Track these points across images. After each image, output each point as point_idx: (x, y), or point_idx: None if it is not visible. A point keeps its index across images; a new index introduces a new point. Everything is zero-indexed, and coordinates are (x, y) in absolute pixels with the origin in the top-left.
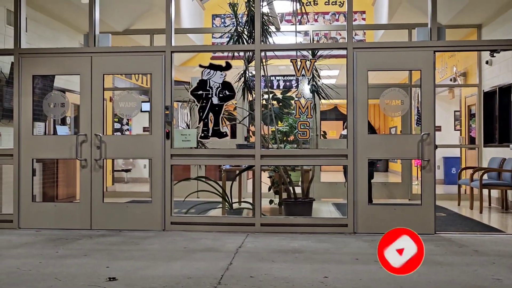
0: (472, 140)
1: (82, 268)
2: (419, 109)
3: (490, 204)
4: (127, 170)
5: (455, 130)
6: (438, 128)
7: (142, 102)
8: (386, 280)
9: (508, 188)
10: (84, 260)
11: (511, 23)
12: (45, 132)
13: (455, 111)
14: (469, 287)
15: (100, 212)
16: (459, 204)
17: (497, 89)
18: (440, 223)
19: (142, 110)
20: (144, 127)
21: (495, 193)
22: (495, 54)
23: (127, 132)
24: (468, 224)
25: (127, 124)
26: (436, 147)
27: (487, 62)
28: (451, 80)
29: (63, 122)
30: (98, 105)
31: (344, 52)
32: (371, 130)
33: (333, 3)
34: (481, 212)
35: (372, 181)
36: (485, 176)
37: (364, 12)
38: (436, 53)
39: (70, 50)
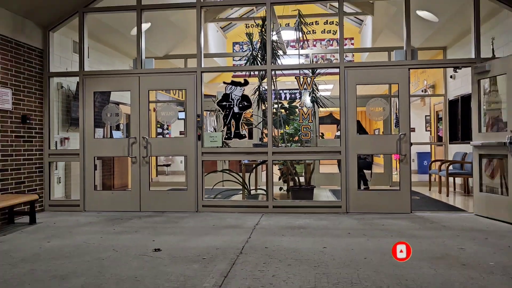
0: (439, 139)
1: (133, 242)
2: (397, 114)
3: (454, 189)
4: (168, 165)
5: (426, 130)
6: (413, 129)
7: (179, 111)
8: (372, 249)
9: (469, 176)
10: (135, 235)
11: (470, 46)
12: (103, 136)
13: (426, 116)
14: (439, 255)
15: (147, 197)
16: (429, 189)
17: (459, 98)
18: (415, 205)
19: (179, 118)
20: (180, 131)
21: (458, 180)
22: (457, 70)
23: (167, 135)
24: (437, 205)
25: (167, 129)
26: (411, 144)
27: (451, 77)
28: (422, 91)
29: (118, 128)
30: (145, 114)
31: (337, 70)
32: (363, 131)
33: (327, 31)
34: (447, 195)
35: (369, 171)
36: (451, 167)
37: (352, 38)
38: (410, 70)
39: (122, 71)
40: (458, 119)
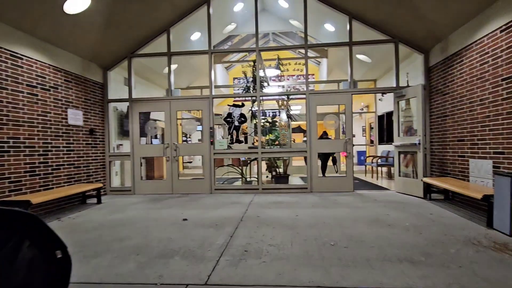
0: (372, 141)
1: (168, 214)
2: (344, 125)
3: (382, 175)
4: (190, 162)
5: (362, 136)
6: (354, 135)
7: (197, 125)
8: (329, 216)
9: (391, 166)
10: (169, 210)
11: (392, 78)
12: (146, 143)
13: (362, 126)
14: (373, 219)
15: (177, 184)
16: (365, 175)
17: (385, 114)
18: (356, 186)
19: (197, 129)
20: (198, 139)
21: (385, 169)
22: (384, 95)
23: (189, 142)
24: (371, 186)
25: (189, 137)
26: (353, 145)
27: (380, 99)
28: (361, 109)
29: (156, 137)
30: (174, 127)
31: (304, 96)
32: (326, 137)
33: (297, 69)
34: (377, 179)
35: (331, 165)
36: (379, 160)
37: (313, 74)
38: (352, 95)
39: (158, 98)
40: (384, 128)
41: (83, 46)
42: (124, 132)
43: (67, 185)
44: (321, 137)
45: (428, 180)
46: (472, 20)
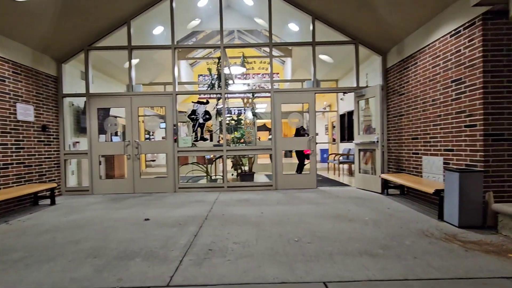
0: (334, 140)
1: (129, 214)
2: (308, 123)
3: (343, 172)
4: (153, 160)
5: (325, 134)
6: (317, 134)
7: (161, 123)
8: (293, 213)
9: (352, 163)
10: (130, 210)
11: (353, 78)
12: (106, 140)
13: (325, 124)
14: (335, 214)
15: (139, 183)
16: (328, 172)
17: (346, 113)
18: (319, 182)
19: (161, 127)
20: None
21: (346, 166)
22: (345, 94)
23: (152, 139)
24: (333, 182)
25: (153, 135)
26: (316, 143)
27: (341, 99)
28: (323, 108)
29: (116, 134)
30: (135, 124)
31: (269, 94)
32: (306, 133)
33: (262, 68)
34: (339, 176)
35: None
36: (341, 158)
37: (278, 73)
38: (316, 94)
39: (118, 93)
40: (345, 126)
41: (34, 36)
42: (81, 129)
43: (17, 185)
44: (298, 134)
45: (385, 176)
46: (425, 25)
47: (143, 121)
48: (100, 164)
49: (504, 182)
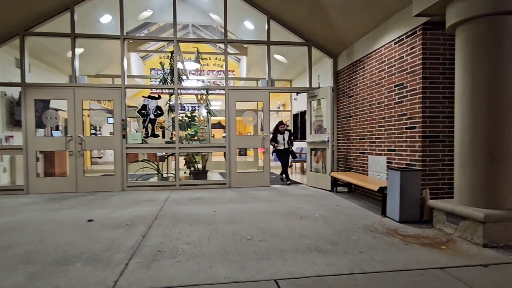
0: None
1: (70, 215)
2: (262, 122)
3: (296, 171)
4: (100, 157)
5: None
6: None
7: (108, 117)
8: (246, 211)
9: (304, 162)
10: (72, 210)
11: (306, 79)
12: (45, 135)
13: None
14: (287, 212)
15: (83, 181)
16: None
17: (299, 113)
18: (272, 181)
19: (108, 122)
20: (110, 132)
21: (298, 164)
22: (298, 95)
23: (99, 135)
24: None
25: (99, 130)
26: (269, 142)
27: (295, 99)
28: (277, 107)
29: (57, 128)
30: (79, 118)
31: (223, 91)
32: (294, 136)
33: (217, 65)
34: (292, 174)
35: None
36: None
37: (233, 71)
38: (270, 93)
39: (59, 84)
40: (298, 126)
41: None
42: (15, 122)
43: None
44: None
45: (334, 174)
46: (373, 31)
47: (88, 116)
48: (38, 160)
49: (439, 180)
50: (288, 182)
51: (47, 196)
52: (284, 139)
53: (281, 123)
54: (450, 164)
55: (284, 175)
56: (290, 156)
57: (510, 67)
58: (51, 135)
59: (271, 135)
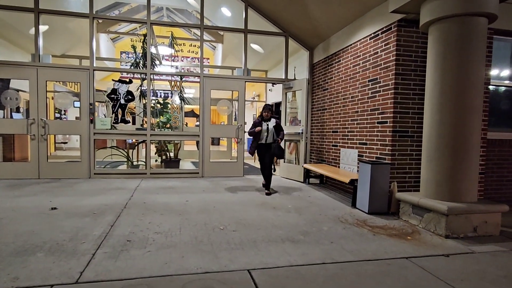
0: None
1: (32, 203)
2: (237, 112)
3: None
4: (65, 142)
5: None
6: (246, 123)
7: (74, 101)
8: (218, 201)
9: None
10: (33, 198)
11: (282, 70)
12: (4, 117)
13: (253, 114)
14: (260, 202)
15: (46, 167)
16: (254, 162)
17: (274, 104)
18: (246, 171)
19: (74, 106)
20: (76, 117)
21: None
22: (274, 85)
23: (64, 119)
24: (259, 171)
25: (64, 114)
26: (244, 132)
27: (270, 90)
28: (252, 97)
29: (18, 110)
30: (43, 100)
31: (198, 79)
32: (282, 130)
33: (191, 52)
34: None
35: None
36: None
37: (208, 58)
38: (246, 82)
39: (20, 63)
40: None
41: None
42: None
43: None
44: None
45: (307, 166)
46: (349, 25)
47: (52, 98)
48: None
49: (406, 173)
50: (268, 192)
51: (6, 182)
52: (268, 130)
53: (267, 107)
54: (418, 158)
55: (265, 182)
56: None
57: (477, 68)
58: (11, 117)
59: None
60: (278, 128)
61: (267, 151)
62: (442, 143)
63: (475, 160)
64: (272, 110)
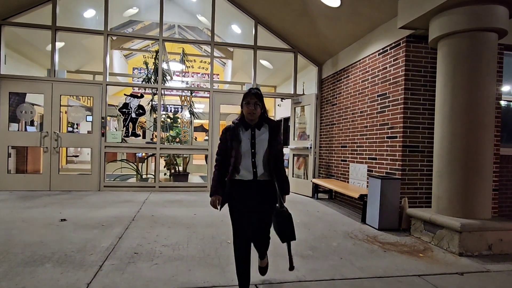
0: None
1: (42, 214)
2: None
3: None
4: (76, 156)
5: None
6: None
7: (87, 115)
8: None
9: (286, 168)
10: (44, 209)
11: (291, 86)
12: (18, 129)
13: None
14: None
15: (57, 180)
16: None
17: (283, 119)
18: None
19: (87, 120)
20: (88, 130)
21: None
22: (282, 100)
23: (77, 132)
24: None
25: (77, 127)
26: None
27: (279, 105)
28: None
29: (32, 124)
30: (56, 113)
31: (208, 94)
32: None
33: (202, 68)
34: None
35: None
36: None
37: (218, 74)
38: None
39: (37, 77)
40: (281, 132)
41: None
42: None
43: None
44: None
45: (316, 181)
46: (358, 41)
47: (66, 112)
48: (9, 156)
49: (417, 189)
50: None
51: (18, 193)
52: (254, 145)
53: (252, 92)
54: (429, 174)
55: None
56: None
57: (488, 83)
58: (25, 130)
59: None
60: (274, 142)
61: (256, 206)
62: (454, 158)
63: (488, 175)
64: (263, 102)
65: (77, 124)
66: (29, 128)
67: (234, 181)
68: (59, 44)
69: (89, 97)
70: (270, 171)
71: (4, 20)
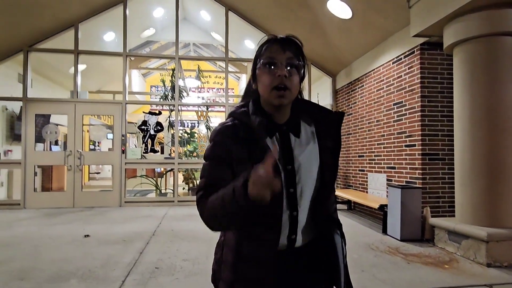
0: None
1: (67, 231)
2: None
3: None
4: (98, 173)
5: None
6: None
7: (108, 132)
8: None
9: None
10: (68, 225)
11: (305, 97)
12: (44, 149)
13: None
14: None
15: (80, 196)
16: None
17: None
18: None
19: (108, 138)
20: (109, 148)
21: None
22: None
23: (98, 150)
24: None
25: (98, 145)
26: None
27: None
28: None
29: (56, 143)
30: (79, 133)
31: (223, 108)
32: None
33: (217, 83)
34: None
35: None
36: None
37: (233, 89)
38: None
39: (60, 99)
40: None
41: None
42: (15, 136)
43: None
44: None
45: None
46: (371, 51)
47: (88, 131)
48: (35, 175)
49: (439, 198)
50: None
51: (44, 211)
52: (291, 169)
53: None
54: (450, 182)
55: None
56: None
57: (507, 87)
58: (50, 149)
59: None
60: (333, 159)
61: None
62: (476, 165)
63: None
64: (304, 67)
65: (98, 142)
66: (54, 148)
67: (243, 257)
68: (81, 67)
69: (109, 116)
70: (322, 226)
71: (30, 46)
